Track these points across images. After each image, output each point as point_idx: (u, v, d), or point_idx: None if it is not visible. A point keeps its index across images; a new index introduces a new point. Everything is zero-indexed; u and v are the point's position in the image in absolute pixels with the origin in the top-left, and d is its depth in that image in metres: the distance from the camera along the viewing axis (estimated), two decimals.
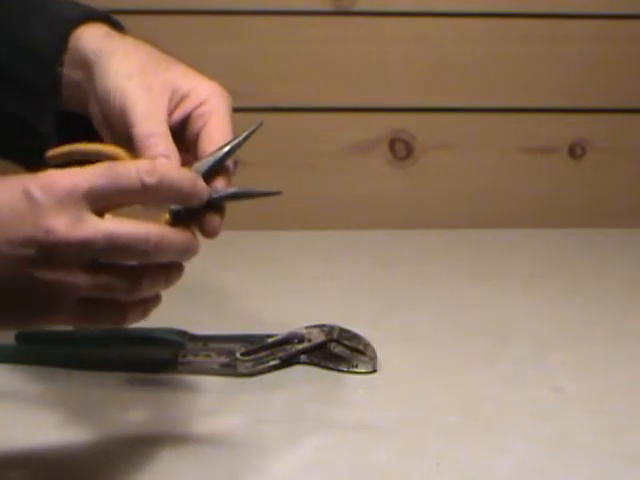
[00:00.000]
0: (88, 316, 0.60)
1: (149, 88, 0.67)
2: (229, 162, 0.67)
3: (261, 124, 0.68)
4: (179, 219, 0.62)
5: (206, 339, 0.83)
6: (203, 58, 1.21)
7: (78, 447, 0.70)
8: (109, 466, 0.67)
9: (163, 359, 0.80)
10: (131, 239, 0.58)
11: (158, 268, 0.60)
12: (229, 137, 0.67)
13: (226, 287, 0.96)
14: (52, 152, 0.67)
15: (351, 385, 0.80)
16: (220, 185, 0.65)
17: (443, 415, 0.75)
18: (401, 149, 1.25)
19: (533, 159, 1.27)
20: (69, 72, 0.72)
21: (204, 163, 0.65)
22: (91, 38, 0.71)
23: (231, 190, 0.65)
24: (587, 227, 1.24)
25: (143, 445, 0.69)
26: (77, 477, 0.66)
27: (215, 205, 0.64)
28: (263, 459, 0.69)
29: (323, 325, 0.85)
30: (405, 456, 0.69)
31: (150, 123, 0.66)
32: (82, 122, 0.72)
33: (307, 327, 0.85)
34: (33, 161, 0.72)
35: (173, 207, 0.63)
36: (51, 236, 0.56)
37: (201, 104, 0.69)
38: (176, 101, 0.69)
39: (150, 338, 0.81)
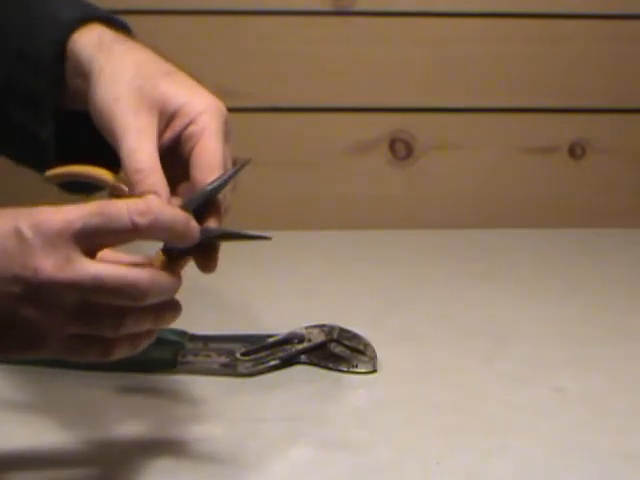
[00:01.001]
0: (73, 351, 0.60)
1: (136, 111, 0.66)
2: (220, 197, 0.65)
3: (249, 161, 0.65)
4: (173, 256, 0.62)
5: (206, 339, 0.83)
6: (203, 58, 1.22)
7: (77, 447, 0.70)
8: (109, 466, 0.67)
9: (163, 359, 0.80)
10: (119, 283, 0.58)
11: (149, 307, 0.60)
12: (218, 159, 0.65)
13: (226, 287, 0.96)
14: (50, 173, 0.68)
15: (351, 385, 0.80)
16: (212, 224, 0.64)
17: (443, 415, 0.75)
18: (401, 149, 1.25)
19: (533, 159, 1.27)
20: (71, 80, 0.72)
21: (193, 199, 0.64)
22: (85, 47, 0.70)
23: (222, 230, 0.64)
24: (587, 227, 1.24)
25: (143, 445, 0.69)
26: (77, 477, 0.66)
27: (208, 244, 0.63)
28: (263, 459, 0.69)
29: (323, 325, 0.85)
30: (405, 456, 0.69)
31: (138, 156, 0.64)
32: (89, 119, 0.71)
33: (307, 327, 0.85)
34: (36, 163, 0.73)
35: (167, 247, 0.62)
36: (38, 275, 0.56)
37: (191, 123, 0.66)
38: (166, 120, 0.67)
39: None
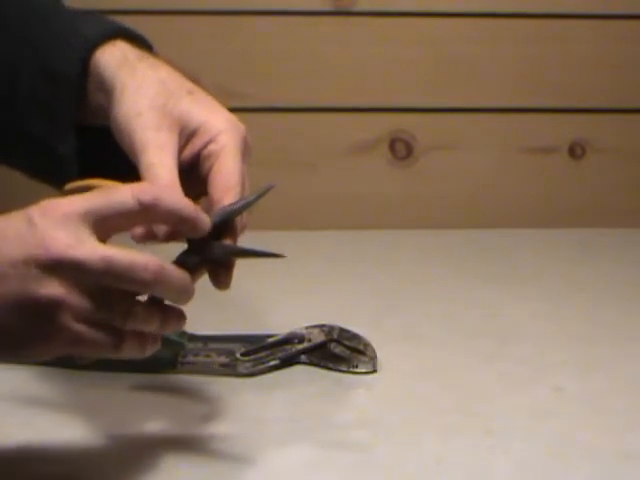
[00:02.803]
0: (84, 340, 0.59)
1: (158, 127, 0.67)
2: (238, 218, 0.66)
3: (273, 186, 0.66)
4: (187, 268, 0.63)
5: (206, 339, 0.83)
6: (203, 58, 1.22)
7: (77, 447, 0.70)
8: (109, 466, 0.67)
9: (163, 359, 0.80)
10: (130, 265, 0.58)
11: (154, 303, 0.61)
12: (236, 178, 0.66)
13: None
14: (69, 186, 0.68)
15: (351, 385, 0.80)
16: (228, 242, 0.65)
17: (443, 415, 0.75)
18: (401, 149, 1.25)
19: (533, 159, 1.27)
20: (93, 95, 0.72)
21: (214, 217, 0.64)
22: (108, 63, 0.71)
23: (238, 247, 0.65)
24: (587, 227, 1.24)
25: (143, 445, 0.69)
26: (77, 477, 0.66)
27: (224, 260, 0.65)
28: (263, 459, 0.69)
29: (323, 325, 0.85)
30: (405, 456, 0.69)
31: (158, 171, 0.65)
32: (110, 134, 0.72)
33: (307, 327, 0.85)
34: (55, 179, 0.73)
35: (178, 258, 0.63)
36: (49, 254, 0.57)
37: (210, 141, 0.67)
38: (186, 137, 0.68)
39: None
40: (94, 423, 0.72)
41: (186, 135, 0.68)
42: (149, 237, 0.65)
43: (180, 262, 0.63)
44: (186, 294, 0.62)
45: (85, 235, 0.58)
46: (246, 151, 0.68)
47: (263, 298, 0.96)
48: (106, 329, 0.60)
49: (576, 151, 1.27)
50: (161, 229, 0.65)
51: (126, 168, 0.68)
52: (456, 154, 1.26)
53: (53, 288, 0.58)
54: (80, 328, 0.59)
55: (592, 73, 1.25)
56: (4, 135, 0.76)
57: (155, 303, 0.62)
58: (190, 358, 0.81)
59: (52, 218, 0.58)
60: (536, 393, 0.79)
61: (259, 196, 0.66)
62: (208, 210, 0.65)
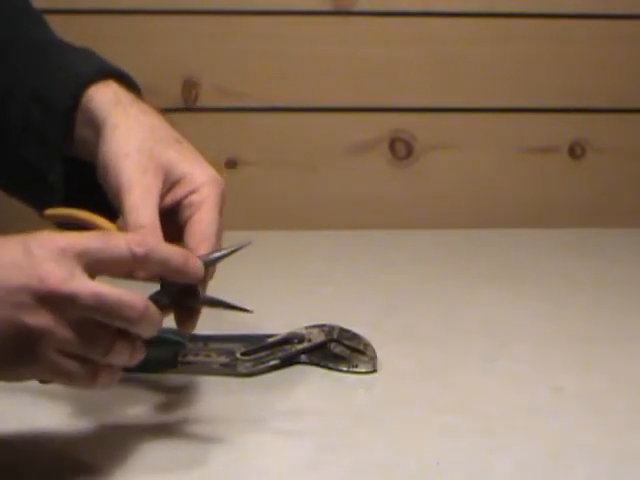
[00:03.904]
0: (62, 371, 0.62)
1: (144, 170, 0.69)
2: (209, 269, 0.68)
3: (249, 243, 0.69)
4: (158, 306, 0.65)
5: (206, 339, 0.83)
6: (203, 58, 1.22)
7: (78, 447, 0.70)
8: (109, 465, 0.67)
9: (163, 359, 0.80)
10: (118, 302, 0.61)
11: (129, 338, 0.63)
12: (213, 229, 0.69)
13: (226, 287, 0.96)
14: (50, 212, 0.71)
15: (351, 385, 0.80)
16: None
17: (443, 415, 0.75)
18: (401, 149, 1.25)
19: (533, 159, 1.27)
20: (80, 129, 0.74)
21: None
22: (100, 101, 0.73)
23: (209, 297, 0.68)
24: (587, 227, 1.24)
25: (142, 445, 0.69)
26: (76, 476, 0.66)
27: (191, 306, 0.67)
28: (263, 459, 0.69)
29: (323, 325, 0.85)
30: (405, 456, 0.69)
31: (141, 213, 0.67)
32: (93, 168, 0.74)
33: (307, 327, 0.85)
34: (41, 204, 0.74)
35: (151, 296, 0.65)
36: (43, 285, 0.59)
37: (192, 192, 0.70)
38: (169, 184, 0.70)
39: (150, 338, 0.81)
40: (94, 423, 0.72)
41: (170, 182, 0.70)
42: (123, 274, 0.67)
43: (153, 300, 0.65)
44: (156, 330, 0.64)
45: (77, 270, 0.60)
46: (223, 205, 0.71)
47: (263, 298, 0.96)
48: (85, 363, 0.62)
49: (576, 151, 1.27)
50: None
51: (99, 203, 0.71)
52: (456, 154, 1.26)
53: (41, 318, 0.59)
54: (60, 360, 0.61)
55: (592, 73, 1.25)
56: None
57: (127, 337, 0.63)
58: (190, 358, 0.81)
59: (49, 250, 0.60)
60: (536, 393, 0.79)
61: (234, 251, 0.69)
62: None
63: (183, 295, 0.67)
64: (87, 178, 0.74)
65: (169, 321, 0.76)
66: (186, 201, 0.70)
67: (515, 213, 1.27)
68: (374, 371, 0.82)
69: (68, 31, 0.83)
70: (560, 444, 0.71)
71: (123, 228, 0.68)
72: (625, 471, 0.68)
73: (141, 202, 0.68)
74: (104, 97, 0.73)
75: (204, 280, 0.68)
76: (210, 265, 0.68)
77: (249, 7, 1.21)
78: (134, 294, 0.62)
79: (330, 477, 0.67)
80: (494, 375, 0.82)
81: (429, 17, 1.23)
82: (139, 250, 0.62)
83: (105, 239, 0.62)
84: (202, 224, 0.69)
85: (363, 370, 0.82)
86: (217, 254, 0.69)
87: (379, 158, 1.25)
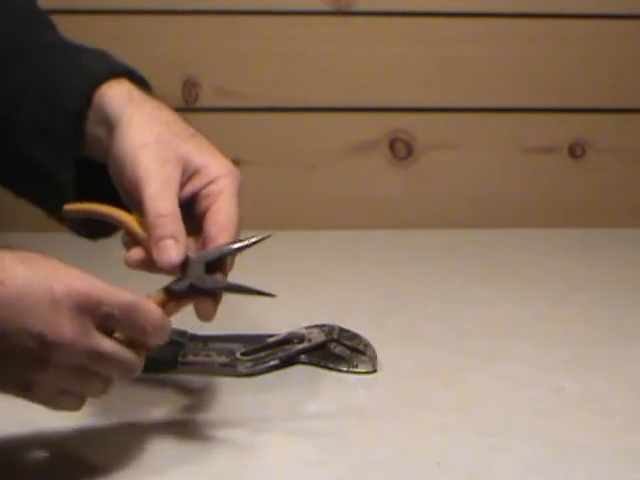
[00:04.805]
0: (54, 402, 0.64)
1: (163, 160, 0.69)
2: (229, 259, 0.69)
3: (269, 236, 0.70)
4: (174, 297, 0.67)
5: (206, 339, 0.83)
6: (203, 58, 1.22)
7: (77, 447, 0.70)
8: (108, 465, 0.67)
9: (163, 359, 0.80)
10: (121, 360, 0.64)
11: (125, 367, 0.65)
12: (234, 220, 0.69)
13: None
14: (69, 207, 0.72)
15: (351, 385, 0.80)
16: (219, 277, 0.68)
17: (443, 415, 0.75)
18: (401, 149, 1.25)
19: (533, 159, 1.27)
20: (92, 127, 0.74)
21: (210, 253, 0.68)
22: (113, 98, 0.73)
23: (229, 283, 0.69)
24: (587, 227, 1.24)
25: (143, 445, 0.69)
26: (76, 476, 0.66)
27: (212, 293, 0.68)
28: (263, 459, 0.69)
29: (323, 325, 0.85)
30: (405, 456, 0.69)
31: (161, 202, 0.68)
32: (103, 169, 0.74)
33: (307, 327, 0.85)
34: (51, 205, 0.75)
35: (169, 285, 0.67)
36: (60, 336, 0.61)
37: (210, 183, 0.70)
38: (187, 176, 0.71)
39: None
40: (93, 423, 0.72)
41: (188, 173, 0.70)
42: (144, 265, 0.68)
43: (169, 290, 0.67)
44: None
45: (93, 326, 0.62)
46: (240, 196, 0.72)
47: (263, 298, 0.96)
48: (75, 397, 0.65)
49: (576, 151, 1.27)
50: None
51: (108, 203, 0.72)
52: (456, 154, 1.26)
53: (44, 367, 0.61)
54: (53, 395, 0.63)
55: (592, 73, 1.25)
56: (4, 158, 0.77)
57: (122, 366, 0.65)
58: (190, 358, 0.81)
59: (73, 302, 0.61)
60: (536, 393, 0.79)
61: (256, 242, 0.70)
62: (202, 247, 0.69)
63: (203, 282, 0.67)
64: (96, 179, 0.74)
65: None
66: (204, 192, 0.70)
67: (515, 213, 1.27)
68: (374, 371, 0.82)
69: (68, 31, 0.83)
70: (560, 444, 0.71)
71: (142, 219, 0.69)
72: (625, 471, 0.68)
73: (161, 192, 0.68)
74: (117, 94, 0.73)
75: (226, 270, 0.69)
76: (232, 254, 0.69)
77: (249, 7, 1.21)
78: (135, 357, 0.64)
79: (330, 477, 0.67)
80: (494, 375, 0.82)
81: (429, 17, 1.22)
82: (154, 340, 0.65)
83: (136, 309, 0.63)
84: (222, 214, 0.69)
85: (363, 370, 0.82)
86: (238, 245, 0.69)
87: (379, 158, 1.25)
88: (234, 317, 0.91)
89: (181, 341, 0.82)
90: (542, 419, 0.75)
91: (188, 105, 1.19)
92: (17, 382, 0.62)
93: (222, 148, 0.74)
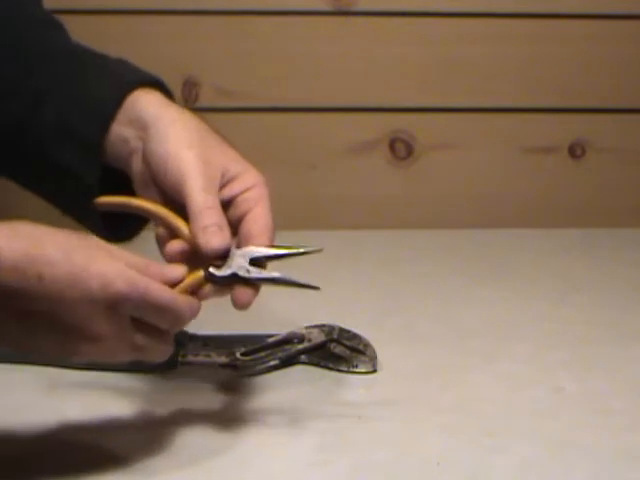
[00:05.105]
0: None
1: (207, 162, 0.71)
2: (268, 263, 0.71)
3: (321, 250, 0.73)
4: (212, 281, 0.68)
5: (206, 339, 0.83)
6: (203, 58, 1.22)
7: (78, 446, 0.70)
8: (109, 465, 0.67)
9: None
10: (154, 350, 0.66)
11: None
12: (272, 225, 0.72)
13: None
14: (104, 199, 0.72)
15: (351, 385, 0.80)
16: (264, 269, 0.71)
17: (443, 415, 0.75)
18: (401, 149, 1.25)
19: (533, 159, 1.27)
20: (119, 128, 0.75)
21: (257, 251, 0.70)
22: (150, 101, 0.74)
23: (274, 275, 0.71)
24: (587, 227, 1.24)
25: (142, 445, 0.69)
26: (76, 476, 0.66)
27: (253, 284, 0.70)
28: (263, 459, 0.69)
29: (323, 325, 0.85)
30: (405, 456, 0.69)
31: (207, 196, 0.70)
32: (118, 175, 0.75)
33: (307, 327, 0.85)
34: (74, 207, 0.77)
35: (210, 270, 0.68)
36: (94, 334, 0.63)
37: (248, 189, 0.73)
38: (225, 181, 0.73)
39: None
40: (93, 423, 0.72)
41: (226, 180, 0.73)
42: (183, 258, 0.69)
43: (209, 276, 0.68)
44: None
45: (127, 322, 0.64)
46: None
47: (263, 298, 0.96)
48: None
49: (576, 151, 1.27)
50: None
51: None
52: (456, 154, 1.26)
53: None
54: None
55: (592, 73, 1.25)
56: (29, 162, 0.78)
57: None
58: (190, 358, 0.81)
59: (108, 302, 0.62)
60: (536, 393, 0.79)
61: (307, 252, 0.73)
62: (237, 246, 0.71)
63: (248, 272, 0.69)
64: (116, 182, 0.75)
65: None
66: (242, 197, 0.72)
67: (515, 213, 1.27)
68: (374, 371, 0.82)
69: (68, 31, 0.83)
70: (560, 444, 0.71)
71: (179, 215, 0.70)
72: (625, 471, 0.68)
73: (207, 187, 0.70)
74: (154, 99, 0.75)
75: (265, 266, 0.71)
76: (277, 259, 0.71)
77: (249, 7, 1.21)
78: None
79: (330, 477, 0.67)
80: (494, 375, 0.82)
81: (429, 17, 1.22)
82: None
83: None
84: (263, 217, 0.72)
85: (363, 370, 0.82)
86: (285, 252, 0.72)
87: (379, 158, 1.25)
88: (234, 317, 0.91)
89: (181, 341, 0.82)
90: (542, 419, 0.75)
91: (188, 105, 1.19)
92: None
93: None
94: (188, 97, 1.20)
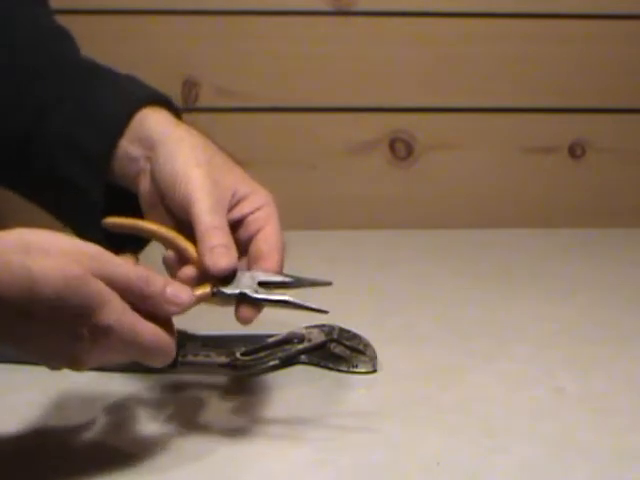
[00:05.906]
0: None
1: (215, 182, 0.71)
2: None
3: (330, 283, 0.74)
4: (218, 296, 0.69)
5: (206, 339, 0.83)
6: (203, 58, 1.22)
7: (78, 446, 0.70)
8: (109, 465, 0.67)
9: None
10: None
11: None
12: (282, 244, 0.73)
13: None
14: (112, 221, 0.72)
15: (351, 385, 0.80)
16: (272, 291, 0.71)
17: (443, 415, 0.75)
18: (401, 149, 1.26)
19: (533, 159, 1.27)
20: (126, 145, 0.75)
21: (264, 276, 0.71)
22: (159, 120, 0.75)
23: (281, 298, 0.71)
24: (587, 227, 1.24)
25: (142, 445, 0.69)
26: (76, 476, 0.66)
27: (260, 303, 0.70)
28: (263, 459, 0.69)
29: (323, 325, 0.85)
30: (405, 456, 0.69)
31: (215, 216, 0.70)
32: (123, 195, 0.75)
33: (307, 327, 0.85)
34: (76, 221, 0.77)
35: (219, 287, 0.69)
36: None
37: (257, 209, 0.73)
38: (235, 202, 0.73)
39: None
40: (92, 423, 0.72)
41: (235, 200, 0.73)
42: (195, 283, 0.69)
43: (216, 292, 0.69)
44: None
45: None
46: None
47: None
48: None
49: (576, 151, 1.27)
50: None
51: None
52: (456, 154, 1.26)
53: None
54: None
55: (592, 73, 1.25)
56: (34, 173, 0.78)
57: None
58: (190, 358, 0.81)
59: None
60: (536, 393, 0.79)
61: (317, 283, 0.73)
62: (246, 268, 0.71)
63: (256, 292, 0.69)
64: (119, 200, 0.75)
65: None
66: (251, 217, 0.73)
67: (515, 213, 1.27)
68: (374, 371, 0.82)
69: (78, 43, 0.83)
70: (560, 444, 0.71)
71: (187, 237, 0.71)
72: (625, 471, 0.68)
73: (215, 208, 0.70)
74: (162, 117, 0.75)
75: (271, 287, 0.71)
76: (285, 287, 0.71)
77: (249, 7, 1.21)
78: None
79: (330, 477, 0.67)
80: (494, 375, 0.82)
81: (429, 17, 1.23)
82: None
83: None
84: (273, 236, 0.72)
85: (363, 370, 0.82)
86: (290, 279, 0.72)
87: (379, 158, 1.25)
88: (234, 317, 0.91)
89: (181, 341, 0.82)
90: (542, 419, 0.75)
91: (188, 105, 1.19)
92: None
93: (222, 148, 0.74)
94: (188, 97, 1.20)
